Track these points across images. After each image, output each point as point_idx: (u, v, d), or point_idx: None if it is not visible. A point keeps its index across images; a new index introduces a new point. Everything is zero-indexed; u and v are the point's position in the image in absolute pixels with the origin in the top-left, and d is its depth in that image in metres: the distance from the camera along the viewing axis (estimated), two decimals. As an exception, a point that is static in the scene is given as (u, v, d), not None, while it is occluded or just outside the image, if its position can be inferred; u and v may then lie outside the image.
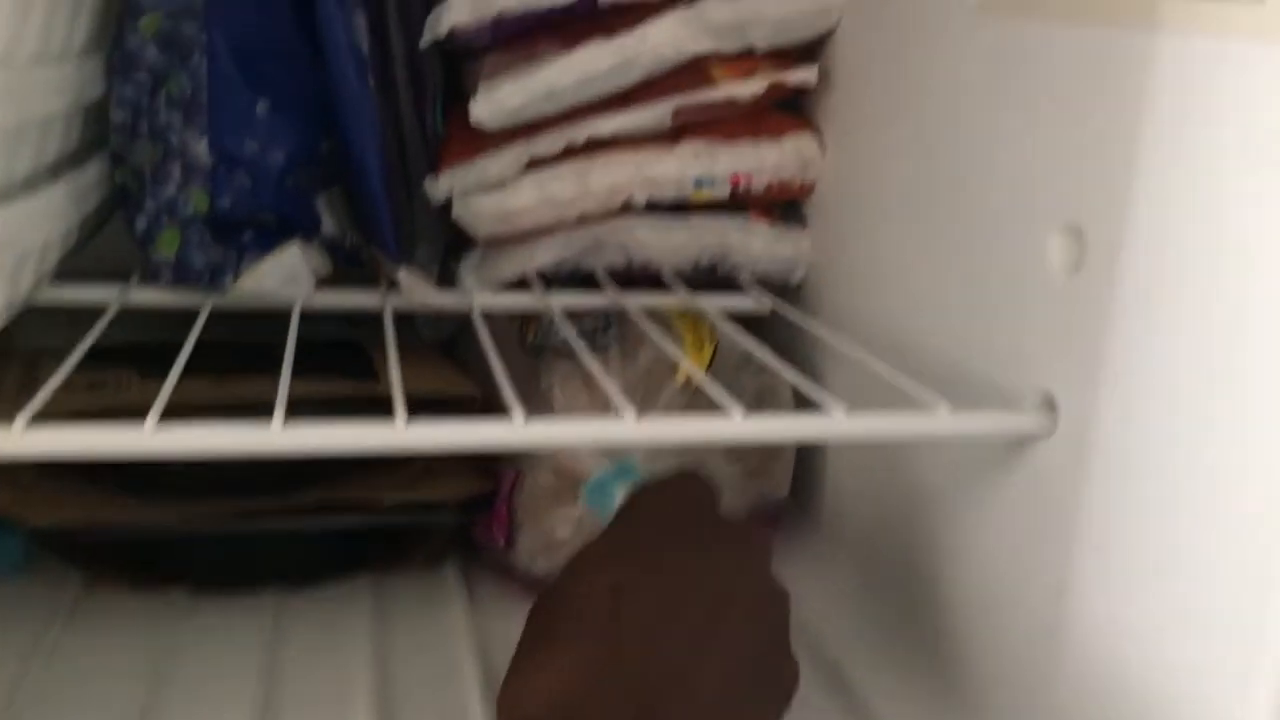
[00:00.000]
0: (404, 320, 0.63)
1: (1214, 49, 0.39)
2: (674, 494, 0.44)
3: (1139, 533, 0.42)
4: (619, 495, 0.61)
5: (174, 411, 0.52)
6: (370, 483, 0.64)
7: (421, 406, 0.61)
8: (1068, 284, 0.46)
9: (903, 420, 0.47)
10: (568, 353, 0.62)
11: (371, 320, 0.66)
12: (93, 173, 0.58)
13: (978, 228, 0.52)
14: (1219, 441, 0.39)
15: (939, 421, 0.47)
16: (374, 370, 0.67)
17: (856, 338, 0.59)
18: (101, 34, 0.57)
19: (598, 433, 0.45)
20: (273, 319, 0.62)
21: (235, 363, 0.61)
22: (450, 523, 0.67)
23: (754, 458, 0.66)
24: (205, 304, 0.59)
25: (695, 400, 0.62)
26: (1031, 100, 0.48)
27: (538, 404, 0.61)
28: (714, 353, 0.64)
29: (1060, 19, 0.46)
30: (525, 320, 0.66)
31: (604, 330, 0.64)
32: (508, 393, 0.46)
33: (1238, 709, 0.38)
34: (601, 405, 0.58)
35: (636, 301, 0.64)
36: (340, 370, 0.64)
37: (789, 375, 0.51)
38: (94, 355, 0.65)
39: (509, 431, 0.43)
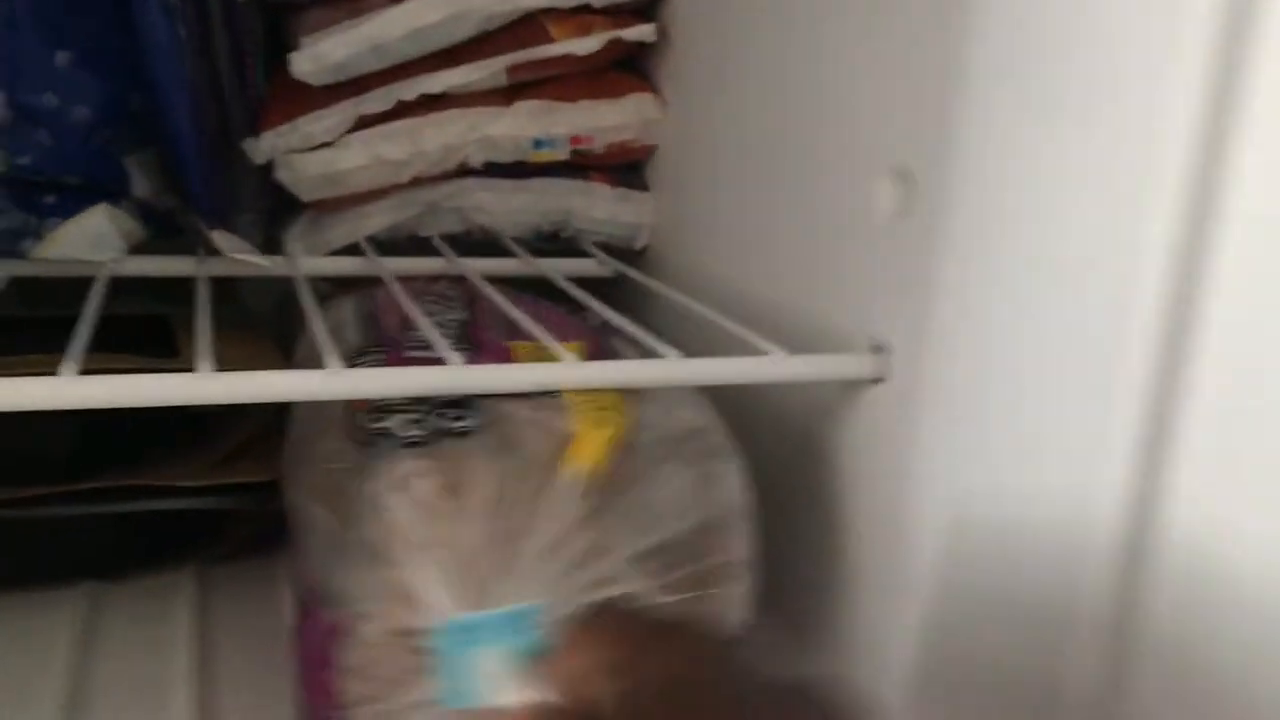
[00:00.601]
0: (226, 294, 0.60)
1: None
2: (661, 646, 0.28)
3: (965, 476, 0.42)
4: (494, 664, 0.39)
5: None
6: (167, 468, 0.60)
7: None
8: (897, 229, 0.46)
9: (739, 365, 0.46)
10: (414, 441, 0.42)
11: (187, 293, 0.63)
12: (-128, 130, 0.53)
13: (809, 178, 0.52)
14: (1041, 383, 0.39)
15: (774, 365, 0.46)
16: (175, 346, 0.63)
17: (703, 297, 0.58)
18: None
19: (417, 381, 0.42)
20: (78, 290, 0.58)
21: (17, 340, 0.56)
22: (255, 508, 0.63)
23: (688, 577, 0.43)
24: (2, 273, 0.55)
25: (610, 502, 0.41)
26: (859, 46, 0.48)
27: (363, 518, 0.41)
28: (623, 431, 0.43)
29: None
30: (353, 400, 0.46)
31: (464, 412, 0.43)
32: (322, 340, 0.43)
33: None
34: (460, 524, 0.39)
35: (477, 267, 0.62)
36: (137, 346, 0.60)
37: (632, 331, 0.50)
38: None
39: (318, 380, 0.41)
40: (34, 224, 0.55)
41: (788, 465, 0.53)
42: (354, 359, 0.46)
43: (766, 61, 0.56)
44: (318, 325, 0.46)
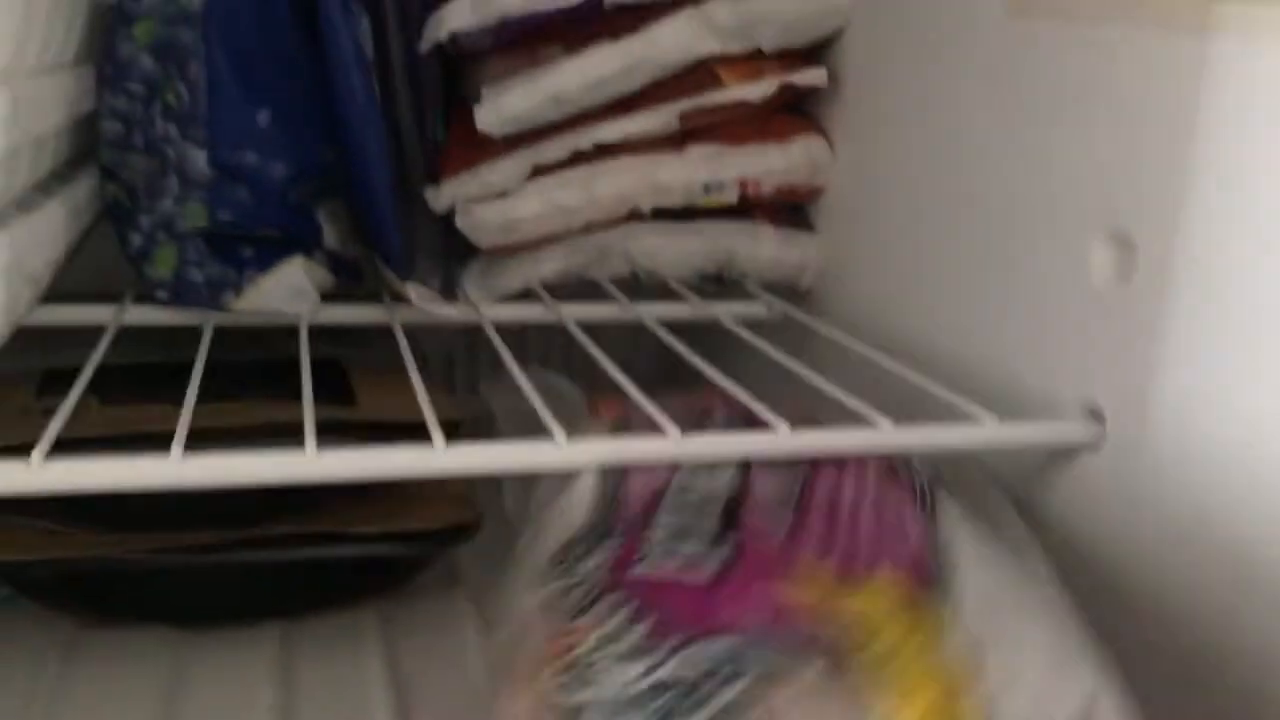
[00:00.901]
0: (384, 335, 0.61)
1: (1274, 54, 0.38)
2: None
3: (1196, 547, 0.41)
4: None
5: (146, 441, 0.50)
6: (346, 513, 0.60)
7: (403, 431, 0.59)
8: (1114, 293, 0.45)
9: (950, 432, 0.46)
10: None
11: (351, 336, 0.64)
12: (84, 189, 0.55)
13: (1012, 235, 0.51)
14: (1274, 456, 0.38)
15: (986, 432, 0.46)
16: (352, 392, 0.64)
17: (872, 344, 0.57)
18: (92, 43, 0.54)
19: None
20: (254, 337, 0.59)
21: (204, 387, 0.57)
22: (433, 553, 0.64)
23: None
24: (205, 323, 0.57)
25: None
26: (1071, 105, 0.47)
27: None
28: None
29: (1100, 21, 0.45)
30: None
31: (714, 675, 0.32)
32: (539, 406, 0.44)
33: None
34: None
35: (650, 312, 0.63)
36: (316, 393, 0.61)
37: (825, 386, 0.50)
38: (50, 379, 0.62)
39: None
40: (233, 276, 0.57)
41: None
42: (570, 552, 0.38)
43: (956, 112, 0.55)
44: (524, 383, 0.47)
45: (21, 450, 0.54)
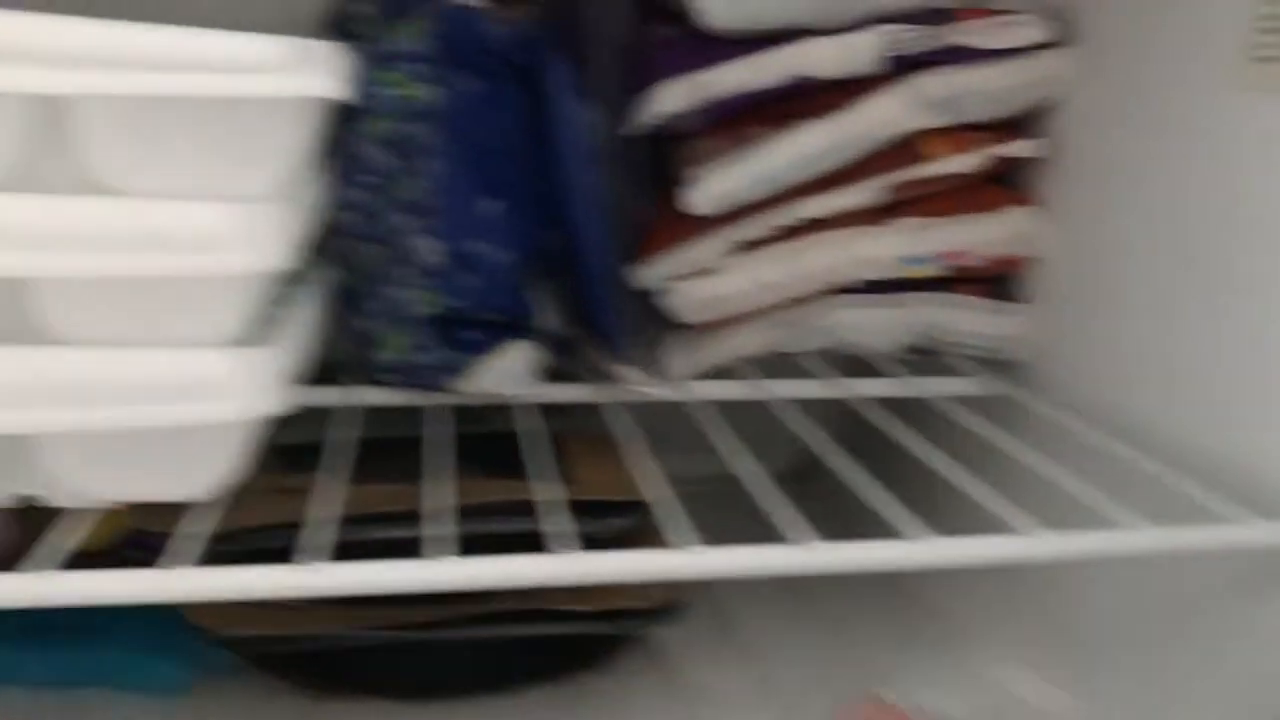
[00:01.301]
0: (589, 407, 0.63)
1: None
2: None
3: None
4: None
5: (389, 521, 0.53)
6: (559, 590, 0.61)
7: (620, 509, 0.60)
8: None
9: (1207, 533, 0.44)
10: None
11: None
12: (321, 274, 0.58)
13: (1253, 317, 0.49)
14: None
15: (1251, 533, 0.44)
16: (570, 466, 0.65)
17: (1095, 425, 0.56)
18: (327, 141, 0.57)
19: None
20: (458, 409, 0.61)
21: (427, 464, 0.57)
22: (641, 632, 0.65)
23: None
24: (428, 403, 0.59)
25: None
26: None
27: None
28: None
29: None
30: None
31: None
32: (780, 513, 0.44)
33: None
34: None
35: (857, 389, 0.63)
36: (536, 470, 0.62)
37: (1060, 475, 0.49)
38: (280, 454, 0.65)
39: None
40: (459, 360, 0.58)
41: (1190, 640, 0.50)
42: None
43: (1191, 190, 0.54)
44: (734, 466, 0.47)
45: (266, 531, 0.56)
